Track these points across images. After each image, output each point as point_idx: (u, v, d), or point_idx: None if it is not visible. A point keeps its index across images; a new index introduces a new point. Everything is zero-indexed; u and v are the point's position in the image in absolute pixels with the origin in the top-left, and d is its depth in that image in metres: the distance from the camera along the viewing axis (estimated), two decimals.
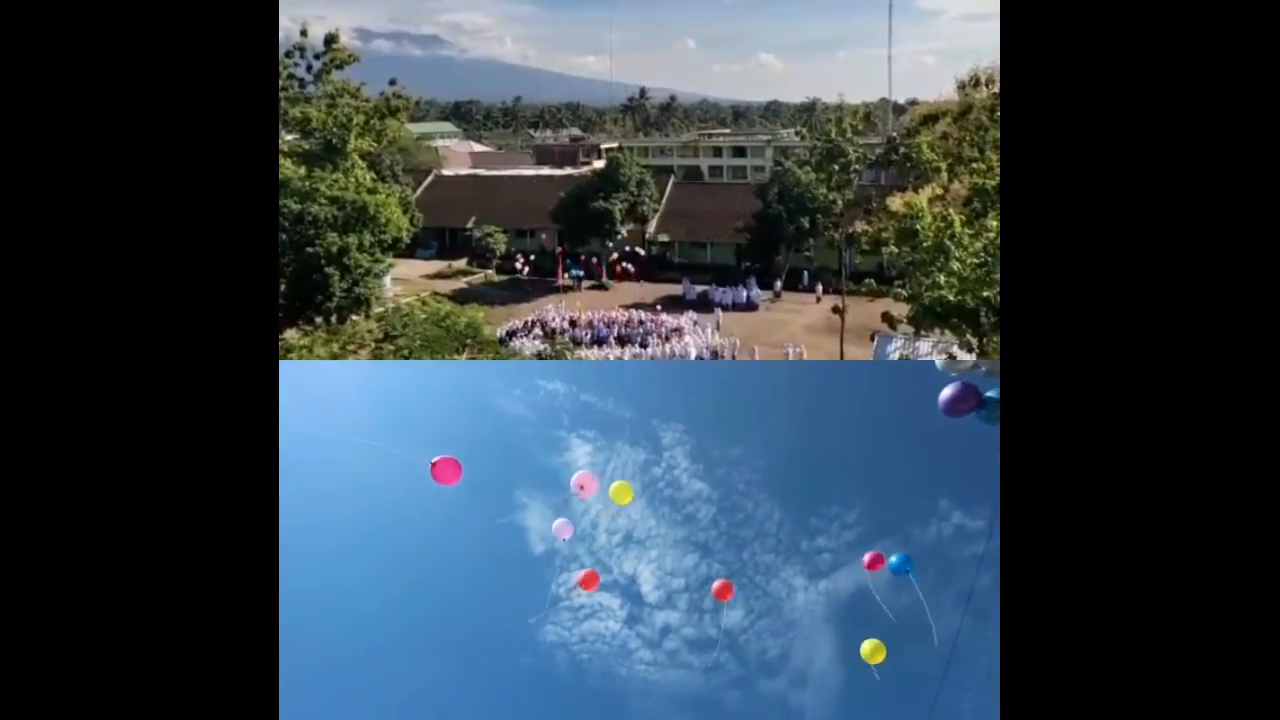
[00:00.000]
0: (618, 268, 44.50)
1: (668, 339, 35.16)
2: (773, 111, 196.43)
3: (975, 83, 24.01)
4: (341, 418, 13.84)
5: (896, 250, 19.93)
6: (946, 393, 6.55)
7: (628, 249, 45.89)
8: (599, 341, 35.24)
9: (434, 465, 8.68)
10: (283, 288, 25.61)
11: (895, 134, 41.26)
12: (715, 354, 34.48)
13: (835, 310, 31.14)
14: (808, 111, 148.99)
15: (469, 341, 16.59)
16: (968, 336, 18.03)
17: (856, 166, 37.03)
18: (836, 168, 36.90)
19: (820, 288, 41.79)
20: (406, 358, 14.73)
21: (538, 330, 35.67)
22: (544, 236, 46.05)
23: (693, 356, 33.80)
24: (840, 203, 38.27)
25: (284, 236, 25.10)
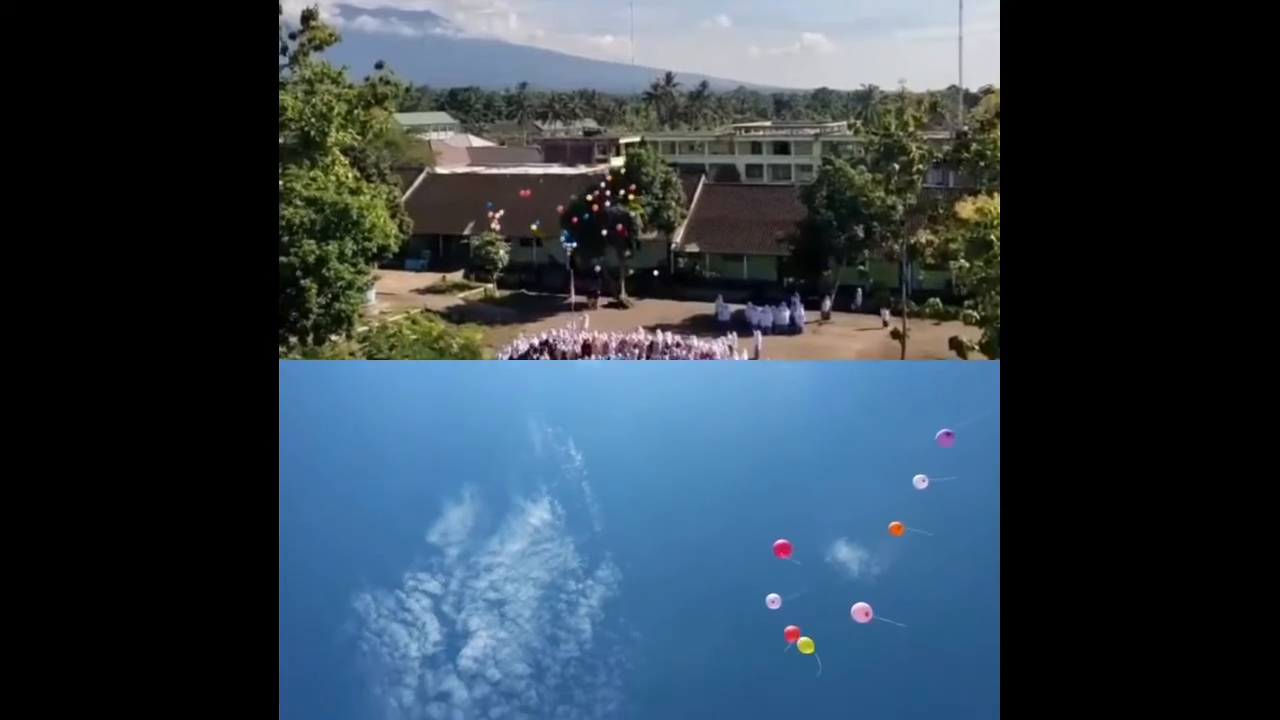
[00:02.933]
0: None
1: None
2: (821, 101, 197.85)
3: None
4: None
5: (967, 264, 19.96)
6: None
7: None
8: None
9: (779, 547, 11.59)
10: None
11: (966, 128, 41.35)
12: None
13: (895, 335, 31.11)
14: (862, 101, 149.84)
15: None
16: None
17: (920, 166, 37.08)
18: (896, 167, 36.99)
19: (886, 312, 41.14)
20: None
21: (545, 356, 35.86)
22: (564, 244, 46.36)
23: None
24: (901, 208, 38.40)
25: None
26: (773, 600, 12.18)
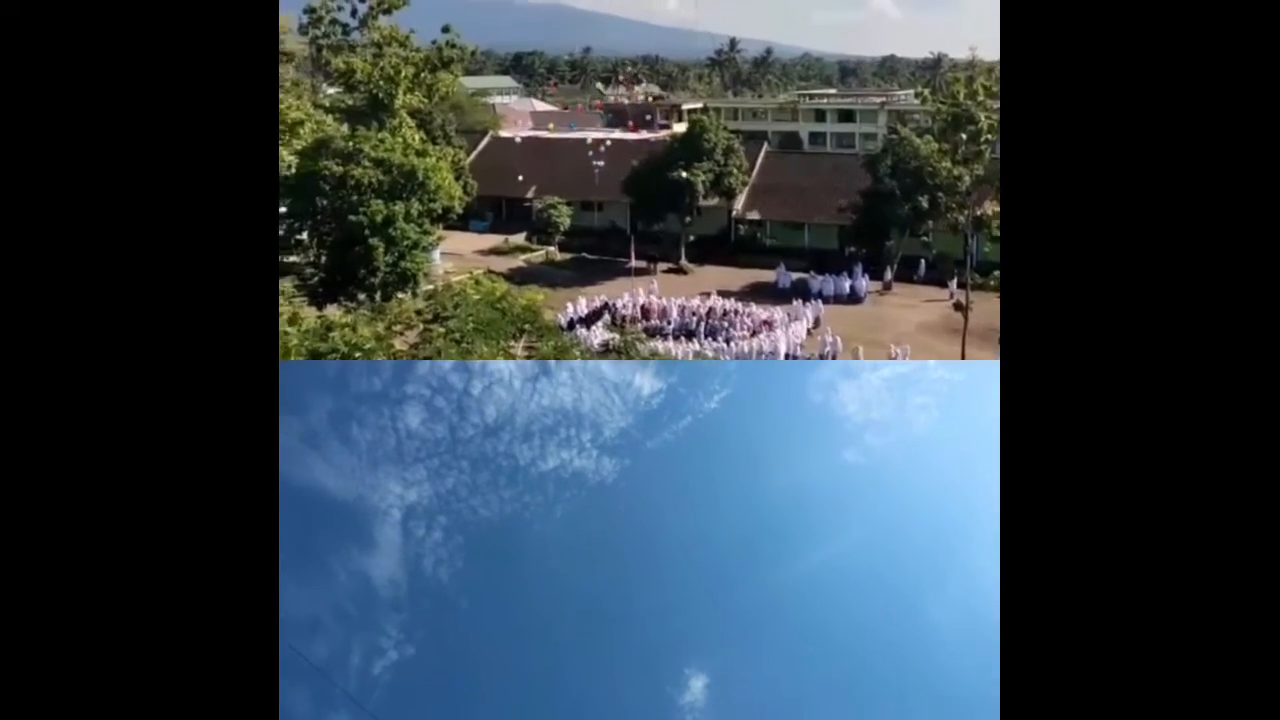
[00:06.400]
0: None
1: (755, 333, 35.19)
2: (888, 69, 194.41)
3: None
4: None
5: None
6: None
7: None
8: (685, 334, 35.29)
9: None
10: (323, 259, 26.60)
11: None
12: (823, 357, 34.41)
13: (957, 306, 30.80)
14: (931, 69, 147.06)
15: (527, 327, 16.97)
16: None
17: (989, 136, 36.36)
18: (964, 137, 36.31)
19: (953, 283, 40.44)
20: (458, 342, 15.20)
21: (605, 317, 36.14)
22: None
23: (782, 355, 33.81)
24: (967, 179, 37.69)
25: (324, 202, 26.03)
26: None
